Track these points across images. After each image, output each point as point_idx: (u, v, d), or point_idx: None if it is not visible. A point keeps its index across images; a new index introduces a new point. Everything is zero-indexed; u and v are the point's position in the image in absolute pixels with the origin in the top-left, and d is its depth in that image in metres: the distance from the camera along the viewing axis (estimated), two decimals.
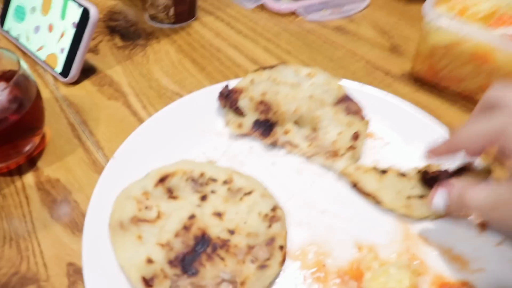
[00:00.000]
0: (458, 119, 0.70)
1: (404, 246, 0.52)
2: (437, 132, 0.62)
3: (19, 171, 0.63)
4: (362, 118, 0.64)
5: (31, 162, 0.64)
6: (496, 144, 0.44)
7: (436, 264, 0.51)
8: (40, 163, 0.64)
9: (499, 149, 0.44)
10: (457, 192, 0.46)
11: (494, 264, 0.50)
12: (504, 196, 0.41)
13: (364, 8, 0.98)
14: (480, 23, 0.71)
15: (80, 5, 0.74)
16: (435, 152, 0.51)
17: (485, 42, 0.66)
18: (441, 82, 0.76)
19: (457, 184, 0.47)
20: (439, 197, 0.48)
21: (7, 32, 0.87)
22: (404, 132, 0.65)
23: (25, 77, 0.59)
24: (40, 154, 0.65)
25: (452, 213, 0.53)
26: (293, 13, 0.96)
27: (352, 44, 0.88)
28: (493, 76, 0.68)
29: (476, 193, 0.43)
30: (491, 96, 0.47)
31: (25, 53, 0.83)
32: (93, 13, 0.73)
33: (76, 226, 0.56)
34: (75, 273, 0.51)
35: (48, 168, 0.63)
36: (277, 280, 0.49)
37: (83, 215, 0.57)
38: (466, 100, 0.73)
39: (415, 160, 0.60)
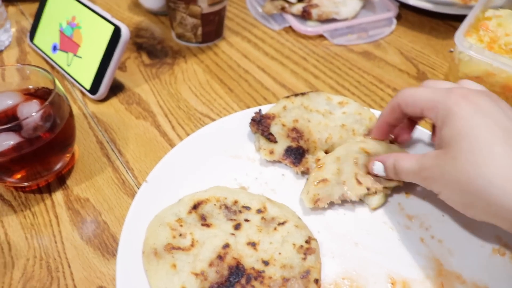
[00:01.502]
0: None
1: (438, 282, 0.52)
2: None
3: (49, 189, 0.63)
4: None
5: (61, 180, 0.64)
6: (432, 112, 0.50)
7: None
8: (69, 182, 0.64)
9: (434, 119, 0.50)
10: (391, 162, 0.55)
11: None
12: (427, 164, 0.49)
13: (390, 34, 0.98)
14: (511, 55, 0.71)
15: (112, 23, 0.74)
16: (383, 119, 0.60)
17: None
18: None
19: (394, 155, 0.56)
20: (378, 165, 0.58)
21: (37, 46, 0.87)
22: None
23: (59, 96, 0.59)
24: (69, 172, 0.65)
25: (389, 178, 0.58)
26: (319, 36, 0.96)
27: (379, 70, 0.88)
28: None
29: (404, 161, 0.53)
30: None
31: (53, 68, 0.84)
32: (124, 31, 0.73)
33: (106, 249, 0.56)
34: None
35: (77, 187, 0.63)
36: None
37: (113, 237, 0.57)
38: None
39: None
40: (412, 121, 0.63)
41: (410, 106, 0.53)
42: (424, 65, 0.90)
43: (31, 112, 0.55)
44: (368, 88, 0.83)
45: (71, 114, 0.62)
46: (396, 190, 0.61)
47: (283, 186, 0.62)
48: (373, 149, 0.60)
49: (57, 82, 0.58)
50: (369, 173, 0.60)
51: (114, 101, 0.78)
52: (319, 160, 0.63)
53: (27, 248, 0.55)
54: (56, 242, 0.56)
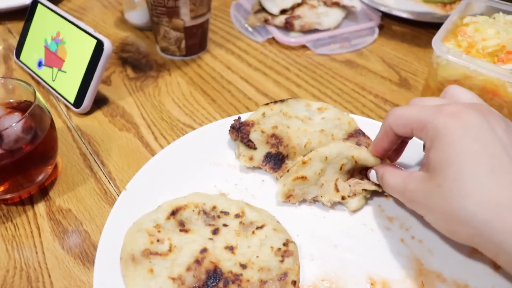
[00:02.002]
0: None
1: (418, 282, 0.52)
2: None
3: (31, 200, 0.63)
4: None
5: (43, 191, 0.64)
6: (422, 132, 0.49)
7: None
8: (52, 193, 0.64)
9: (424, 139, 0.49)
10: (380, 174, 0.56)
11: None
12: (411, 186, 0.49)
13: (372, 43, 1.00)
14: (488, 58, 0.72)
15: (95, 37, 0.75)
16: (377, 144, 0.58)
17: (495, 77, 0.67)
18: None
19: (384, 167, 0.57)
20: (372, 173, 0.59)
21: (23, 62, 0.88)
22: (414, 165, 0.65)
23: (40, 108, 0.60)
24: (52, 183, 0.65)
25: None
26: (302, 47, 0.98)
27: (361, 78, 0.89)
28: (504, 109, 0.68)
29: (391, 178, 0.53)
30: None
31: (39, 83, 0.85)
32: (107, 45, 0.75)
33: (86, 257, 0.56)
34: None
35: (59, 198, 0.63)
36: None
37: (93, 246, 0.57)
38: None
39: None
40: (403, 141, 0.61)
41: (401, 127, 0.52)
42: (406, 71, 0.91)
43: (12, 123, 0.56)
44: (350, 95, 0.84)
45: (52, 126, 0.62)
46: (376, 192, 0.61)
47: (262, 191, 0.62)
48: (363, 161, 0.60)
49: (37, 94, 0.59)
50: (348, 178, 0.60)
51: (98, 114, 0.79)
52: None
53: (7, 259, 0.56)
54: (37, 253, 0.57)
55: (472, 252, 0.55)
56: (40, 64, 0.84)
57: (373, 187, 0.59)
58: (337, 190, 0.59)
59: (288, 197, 0.58)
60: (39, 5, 0.85)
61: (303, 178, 0.59)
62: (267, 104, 0.69)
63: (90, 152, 0.71)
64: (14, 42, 0.98)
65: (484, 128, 0.44)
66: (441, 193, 0.44)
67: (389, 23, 1.07)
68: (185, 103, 0.81)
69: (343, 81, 0.88)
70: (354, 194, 0.60)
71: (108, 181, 0.66)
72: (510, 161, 0.42)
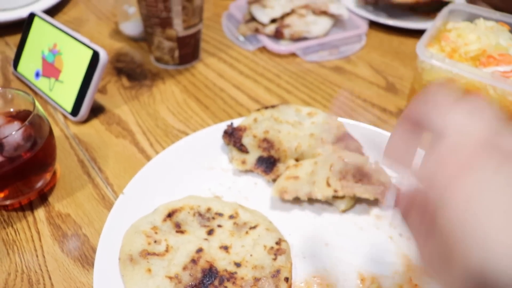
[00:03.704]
0: None
1: (406, 277, 0.54)
2: None
3: (31, 206, 0.65)
4: (362, 155, 0.67)
5: (43, 197, 0.66)
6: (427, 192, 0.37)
7: None
8: (51, 199, 0.66)
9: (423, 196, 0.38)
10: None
11: None
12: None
13: (360, 49, 1.03)
14: (470, 62, 0.75)
15: (90, 48, 0.78)
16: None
17: (478, 80, 0.70)
18: None
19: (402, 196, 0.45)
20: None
21: (21, 74, 0.90)
22: None
23: (39, 117, 0.62)
24: (51, 190, 0.67)
25: None
26: (292, 54, 1.00)
27: (349, 83, 0.92)
28: None
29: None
30: (430, 113, 0.38)
31: (36, 93, 0.87)
32: (103, 55, 0.77)
33: (86, 260, 0.58)
34: None
35: (58, 203, 0.65)
36: None
37: (92, 249, 0.59)
38: None
39: None
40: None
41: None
42: (392, 76, 0.94)
43: (12, 132, 0.58)
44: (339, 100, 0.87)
45: (51, 134, 0.65)
46: None
47: (255, 193, 0.65)
48: (350, 159, 0.63)
49: (36, 103, 0.61)
50: (341, 179, 0.62)
51: (95, 122, 0.81)
52: (289, 168, 0.66)
53: (8, 263, 0.57)
54: (37, 256, 0.58)
55: None
56: (37, 74, 0.87)
57: (364, 195, 0.61)
58: (329, 185, 0.61)
59: (282, 193, 0.60)
60: (36, 18, 0.88)
61: (296, 177, 0.61)
62: (258, 109, 0.72)
63: (87, 159, 0.73)
64: (11, 54, 1.00)
65: (498, 187, 0.33)
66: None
67: (376, 29, 1.10)
68: (179, 110, 0.84)
69: (332, 86, 0.90)
70: (343, 196, 0.62)
71: (106, 186, 0.68)
72: None
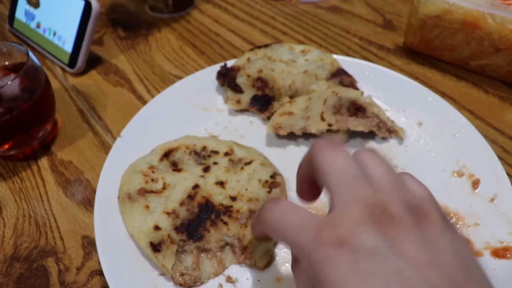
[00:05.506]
0: (451, 88, 0.72)
1: None
2: (429, 100, 0.65)
3: (34, 156, 0.67)
4: (356, 90, 0.67)
5: (45, 147, 0.68)
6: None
7: None
8: (53, 148, 0.68)
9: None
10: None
11: (488, 219, 0.52)
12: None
13: None
14: None
15: None
16: None
17: (475, 8, 0.68)
18: (434, 52, 0.78)
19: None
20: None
21: (17, 30, 0.91)
22: (397, 101, 0.67)
23: (34, 67, 0.63)
24: (53, 139, 0.69)
25: None
26: None
27: (346, 22, 0.90)
28: (485, 41, 0.70)
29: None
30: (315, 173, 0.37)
31: (34, 49, 0.87)
32: (95, 5, 0.77)
33: (88, 202, 0.60)
34: (89, 244, 0.55)
35: (61, 152, 0.67)
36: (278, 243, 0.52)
37: (94, 192, 0.60)
38: (459, 68, 0.75)
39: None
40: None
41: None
42: (390, 13, 0.92)
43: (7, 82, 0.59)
44: (335, 39, 0.85)
45: (47, 84, 0.65)
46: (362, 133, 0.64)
47: (251, 132, 0.66)
48: (344, 93, 0.63)
49: (30, 53, 0.62)
50: (335, 113, 0.62)
51: (92, 73, 0.82)
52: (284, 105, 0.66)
53: (16, 209, 0.60)
54: (43, 202, 0.61)
55: (452, 176, 0.57)
56: (32, 18, 0.87)
57: (359, 128, 0.62)
58: (323, 120, 0.62)
59: (277, 129, 0.61)
60: None
61: (290, 113, 0.62)
62: (251, 49, 0.71)
63: (87, 108, 0.74)
64: (5, 11, 1.00)
65: (382, 257, 0.29)
66: None
67: None
68: (175, 57, 0.84)
69: (328, 26, 0.89)
70: (337, 130, 0.62)
71: (105, 133, 0.69)
72: None
